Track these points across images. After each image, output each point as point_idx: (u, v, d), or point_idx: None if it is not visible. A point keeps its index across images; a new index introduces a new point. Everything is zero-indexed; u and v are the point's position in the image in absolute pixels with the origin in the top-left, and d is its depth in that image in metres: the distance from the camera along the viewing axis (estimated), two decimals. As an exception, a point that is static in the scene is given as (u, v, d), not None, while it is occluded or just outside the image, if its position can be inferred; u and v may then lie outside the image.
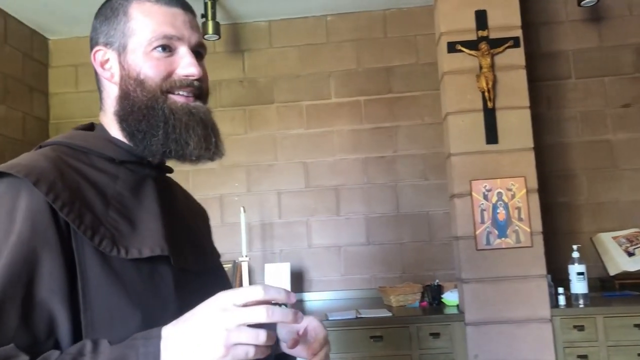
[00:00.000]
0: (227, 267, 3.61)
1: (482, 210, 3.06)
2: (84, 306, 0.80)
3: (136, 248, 0.86)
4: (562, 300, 3.05)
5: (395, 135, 3.93)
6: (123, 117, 0.95)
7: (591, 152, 3.77)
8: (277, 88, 4.04)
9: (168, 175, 1.09)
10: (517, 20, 3.16)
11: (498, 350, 2.97)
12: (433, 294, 3.41)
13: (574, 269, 3.05)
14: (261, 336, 0.70)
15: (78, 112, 4.06)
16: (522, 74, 3.13)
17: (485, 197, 3.06)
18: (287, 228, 3.94)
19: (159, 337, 0.73)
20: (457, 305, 3.23)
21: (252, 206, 3.92)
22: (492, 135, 3.09)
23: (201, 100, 0.98)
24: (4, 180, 0.83)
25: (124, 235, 0.86)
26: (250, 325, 0.70)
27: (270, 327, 0.97)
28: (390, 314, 3.10)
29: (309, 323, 1.04)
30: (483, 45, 3.10)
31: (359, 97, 3.97)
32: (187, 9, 0.99)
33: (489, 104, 3.08)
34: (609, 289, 3.41)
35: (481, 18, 3.16)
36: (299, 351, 1.03)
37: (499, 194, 3.05)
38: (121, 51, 0.95)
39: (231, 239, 3.73)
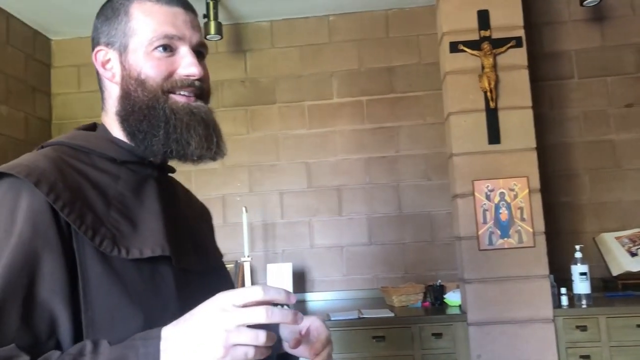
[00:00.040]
0: (229, 267, 3.61)
1: (485, 211, 3.05)
2: (85, 306, 0.80)
3: (137, 248, 0.86)
4: (564, 300, 3.05)
5: (397, 135, 3.92)
6: (124, 117, 0.95)
7: (594, 152, 3.76)
8: (279, 88, 4.04)
9: (171, 175, 1.09)
10: (519, 20, 3.16)
11: (500, 351, 2.97)
12: (435, 294, 3.41)
13: (577, 269, 3.05)
14: (261, 337, 0.70)
15: (80, 112, 4.07)
16: (525, 74, 3.13)
17: (488, 197, 3.05)
18: (289, 228, 3.94)
19: (158, 338, 0.73)
20: (460, 306, 3.22)
21: (254, 206, 3.92)
22: (494, 135, 3.08)
23: (203, 100, 0.98)
24: (5, 181, 0.83)
25: (125, 236, 0.86)
26: (250, 326, 0.70)
27: (270, 328, 0.97)
28: (392, 314, 3.10)
29: (312, 323, 1.04)
30: (485, 45, 3.09)
31: (361, 97, 3.97)
32: (188, 8, 0.98)
33: (491, 104, 3.07)
34: (612, 289, 3.40)
35: (483, 18, 3.16)
36: (301, 351, 1.03)
37: (502, 194, 3.05)
38: (122, 51, 0.95)
39: (233, 239, 3.73)
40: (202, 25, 3.47)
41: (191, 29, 0.97)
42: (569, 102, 3.80)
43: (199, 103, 0.97)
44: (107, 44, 0.97)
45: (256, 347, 0.70)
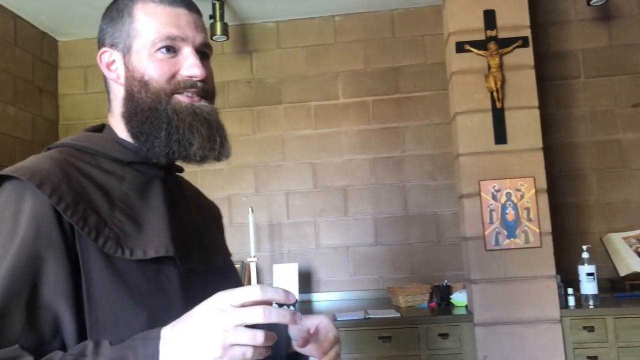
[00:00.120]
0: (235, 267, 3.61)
1: (491, 211, 3.04)
2: (89, 307, 0.80)
3: (141, 249, 0.86)
4: (571, 301, 3.03)
5: (403, 136, 3.92)
6: (128, 119, 0.95)
7: (601, 152, 3.75)
8: (285, 89, 4.04)
9: (179, 174, 1.10)
10: (525, 19, 3.15)
11: (507, 351, 2.96)
12: (442, 295, 3.40)
13: (584, 269, 3.04)
14: (258, 337, 0.70)
15: (87, 113, 4.09)
16: (531, 74, 3.12)
17: (494, 198, 3.05)
18: (295, 228, 3.94)
19: (158, 338, 0.73)
20: (466, 306, 3.22)
21: (260, 206, 3.92)
22: (500, 135, 3.07)
23: (207, 100, 0.98)
24: (9, 184, 0.84)
25: (129, 236, 0.86)
26: (250, 326, 0.70)
27: (277, 327, 0.97)
28: (398, 315, 3.10)
29: (320, 322, 1.04)
30: (492, 45, 3.08)
31: (366, 98, 3.97)
32: (192, 8, 0.98)
33: (498, 104, 3.06)
34: (619, 289, 3.39)
35: (490, 18, 3.15)
36: (309, 350, 1.04)
37: (508, 194, 3.04)
38: (126, 52, 0.95)
39: (239, 239, 3.74)
40: (208, 26, 3.49)
41: (194, 30, 0.96)
42: (575, 102, 3.79)
43: (203, 103, 0.96)
44: (112, 45, 0.97)
45: (255, 347, 0.70)
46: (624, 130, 3.74)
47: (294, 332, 1.07)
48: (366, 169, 3.93)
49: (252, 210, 3.83)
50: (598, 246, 3.54)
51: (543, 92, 3.51)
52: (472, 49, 3.13)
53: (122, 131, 0.98)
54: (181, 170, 1.09)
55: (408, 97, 3.94)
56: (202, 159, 0.95)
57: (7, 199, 0.82)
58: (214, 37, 3.60)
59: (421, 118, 3.91)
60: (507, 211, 3.03)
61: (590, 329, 2.92)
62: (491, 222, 3.04)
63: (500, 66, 3.08)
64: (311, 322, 1.04)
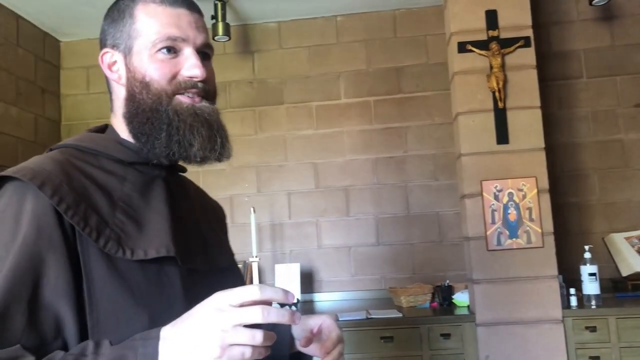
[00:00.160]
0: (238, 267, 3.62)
1: (493, 211, 3.04)
2: (90, 308, 0.80)
3: (142, 249, 0.86)
4: (573, 301, 3.03)
5: (405, 136, 3.92)
6: (129, 119, 0.96)
7: (603, 152, 3.74)
8: (287, 89, 4.04)
9: (182, 174, 1.10)
10: (527, 19, 3.15)
11: (509, 351, 2.95)
12: (444, 295, 3.40)
13: (586, 269, 3.03)
14: (257, 337, 0.70)
15: (90, 113, 4.10)
16: (533, 74, 3.12)
17: (496, 198, 3.04)
18: (297, 228, 3.94)
19: (157, 338, 0.73)
20: (468, 306, 3.22)
21: (262, 207, 3.92)
22: (502, 135, 3.07)
23: (208, 100, 0.98)
24: (10, 184, 0.84)
25: (130, 237, 0.86)
26: (250, 325, 0.70)
27: (278, 327, 0.97)
28: (400, 315, 3.09)
29: (323, 321, 1.04)
30: (494, 45, 3.08)
31: (368, 98, 3.97)
32: (193, 9, 0.98)
33: (500, 104, 3.06)
34: (622, 289, 3.38)
35: (492, 18, 3.15)
36: (312, 349, 1.04)
37: (510, 194, 3.04)
38: (127, 53, 0.95)
39: (241, 239, 3.73)
40: (209, 26, 3.49)
41: (195, 30, 0.96)
42: (577, 102, 3.78)
43: (204, 104, 0.96)
44: (113, 46, 0.97)
45: (254, 346, 0.70)
46: (626, 130, 3.74)
47: (297, 331, 1.07)
48: (368, 169, 3.93)
49: (254, 211, 3.83)
50: (600, 246, 3.54)
51: (545, 92, 3.51)
52: (474, 49, 3.13)
53: (124, 132, 0.98)
54: (184, 170, 1.09)
55: (410, 97, 3.94)
56: (203, 160, 0.95)
57: (9, 200, 0.83)
58: (215, 38, 3.60)
59: (423, 118, 3.91)
60: (509, 211, 3.03)
61: (593, 329, 2.92)
62: (493, 222, 3.04)
63: (502, 66, 3.08)
64: (314, 322, 1.04)
